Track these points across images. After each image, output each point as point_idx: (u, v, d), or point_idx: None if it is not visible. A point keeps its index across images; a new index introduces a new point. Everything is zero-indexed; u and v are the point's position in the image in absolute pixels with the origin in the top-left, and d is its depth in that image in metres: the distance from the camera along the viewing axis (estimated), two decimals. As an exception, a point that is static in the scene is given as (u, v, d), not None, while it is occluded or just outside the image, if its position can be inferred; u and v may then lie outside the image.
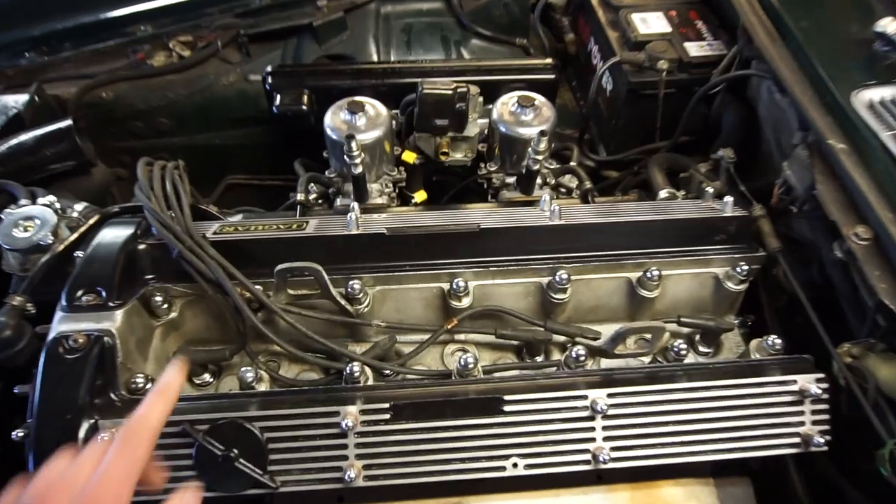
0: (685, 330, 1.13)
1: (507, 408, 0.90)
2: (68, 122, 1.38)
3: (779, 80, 1.20)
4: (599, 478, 1.02)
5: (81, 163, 1.40)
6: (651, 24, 1.53)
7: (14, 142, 1.36)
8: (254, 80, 1.67)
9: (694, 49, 1.46)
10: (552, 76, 1.48)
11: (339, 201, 1.33)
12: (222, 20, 1.67)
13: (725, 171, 1.27)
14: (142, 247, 1.04)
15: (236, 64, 1.68)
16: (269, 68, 1.47)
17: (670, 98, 1.48)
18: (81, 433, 0.86)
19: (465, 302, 1.08)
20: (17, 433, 0.89)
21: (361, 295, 1.05)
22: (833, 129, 1.05)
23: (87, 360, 0.89)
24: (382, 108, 1.34)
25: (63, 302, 0.96)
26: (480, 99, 1.39)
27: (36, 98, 1.52)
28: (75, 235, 1.07)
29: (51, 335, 0.93)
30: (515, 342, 1.12)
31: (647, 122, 1.54)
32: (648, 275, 1.08)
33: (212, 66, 1.68)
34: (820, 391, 0.92)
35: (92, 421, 0.87)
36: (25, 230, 1.12)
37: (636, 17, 1.54)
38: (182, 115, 1.69)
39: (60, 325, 0.93)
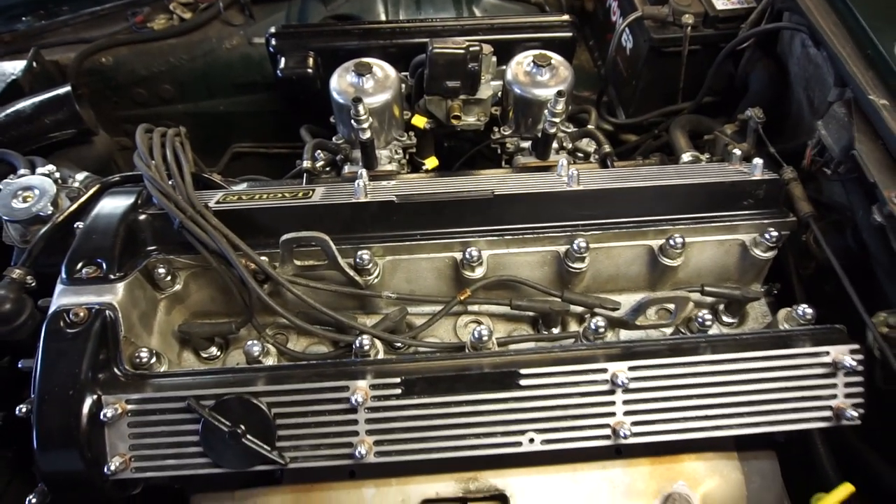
0: (708, 300, 1.08)
1: (522, 382, 0.86)
2: (67, 88, 1.33)
3: (814, 33, 1.12)
4: (618, 452, 0.99)
5: (82, 131, 1.36)
6: (675, -24, 1.44)
7: (12, 110, 1.32)
8: (258, 43, 1.61)
9: (721, 2, 1.38)
10: (569, 34, 1.41)
11: (346, 168, 1.28)
12: (223, -20, 1.60)
13: (754, 131, 1.20)
14: (143, 217, 1.00)
15: (239, 26, 1.62)
16: (272, 30, 1.41)
17: (695, 56, 1.41)
18: (85, 409, 0.84)
19: (479, 272, 1.03)
20: (21, 408, 0.87)
21: (371, 265, 1.01)
22: (875, 83, 0.98)
23: (89, 335, 0.87)
24: (391, 70, 1.28)
25: (63, 275, 0.92)
26: (494, 59, 1.32)
27: (34, 64, 1.48)
28: (75, 206, 1.04)
29: (51, 309, 0.90)
30: (531, 313, 1.08)
31: (670, 83, 1.47)
32: (671, 242, 1.02)
33: (214, 30, 1.62)
34: (854, 363, 0.87)
35: (95, 397, 0.84)
36: (25, 200, 1.09)
37: (659, -30, 1.45)
38: (185, 81, 1.64)
39: (61, 298, 0.90)
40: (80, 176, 1.19)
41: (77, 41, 1.57)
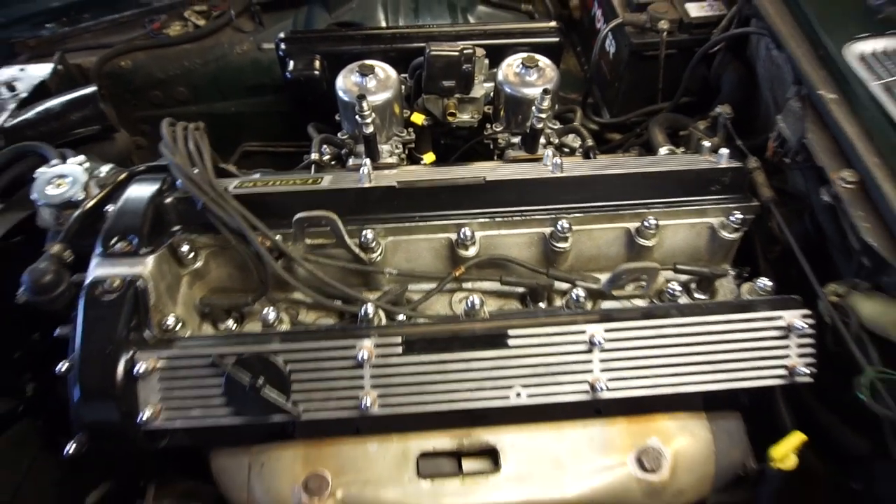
0: (682, 277, 1.19)
1: (510, 342, 0.97)
2: (93, 88, 1.44)
3: (775, 36, 1.24)
4: (598, 411, 1.09)
5: (105, 127, 1.46)
6: (653, -14, 1.56)
7: (42, 108, 1.43)
8: (267, 48, 1.73)
9: (694, 9, 1.50)
10: (556, 39, 1.53)
11: (351, 161, 1.39)
12: (235, -11, 1.72)
13: (723, 126, 1.31)
14: (168, 200, 1.11)
15: (249, 33, 1.74)
16: (281, 35, 1.53)
17: (672, 59, 1.52)
18: (120, 366, 0.94)
19: (472, 251, 1.14)
20: (61, 367, 0.97)
21: (374, 244, 1.11)
22: (825, 80, 1.10)
23: (123, 301, 0.97)
24: (392, 72, 1.39)
25: (98, 249, 1.03)
26: (486, 62, 1.44)
27: (59, 67, 1.59)
28: (107, 190, 1.14)
29: (88, 279, 1.00)
30: (520, 290, 1.18)
31: (650, 84, 1.58)
32: (646, 224, 1.13)
33: (226, 36, 1.74)
34: (805, 326, 0.98)
35: (129, 355, 0.94)
36: (58, 187, 1.19)
37: (638, -20, 1.57)
38: (198, 84, 1.75)
39: (96, 269, 1.01)
40: (106, 167, 1.29)
41: (98, 46, 1.69)
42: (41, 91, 1.53)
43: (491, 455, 1.05)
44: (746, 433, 1.12)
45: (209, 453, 1.09)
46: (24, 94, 1.51)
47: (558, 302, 1.19)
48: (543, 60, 1.39)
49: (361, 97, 1.25)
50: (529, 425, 1.07)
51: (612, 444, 1.06)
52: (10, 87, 1.55)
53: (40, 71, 1.58)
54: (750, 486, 1.13)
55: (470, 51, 1.34)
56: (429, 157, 1.45)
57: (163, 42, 1.70)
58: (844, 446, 1.13)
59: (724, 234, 1.16)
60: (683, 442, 1.07)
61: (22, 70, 1.60)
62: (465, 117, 1.44)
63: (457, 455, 1.05)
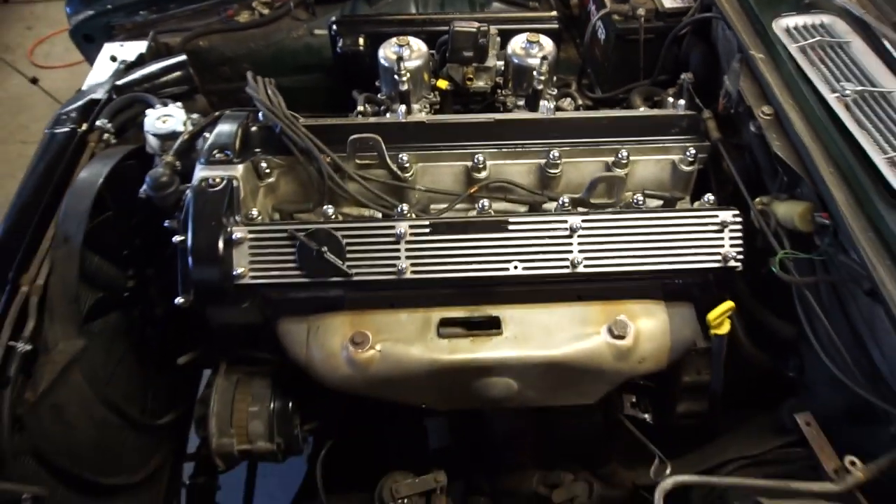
0: (651, 202, 1.51)
1: (510, 227, 1.29)
2: (183, 56, 1.81)
3: (726, 19, 1.57)
4: (580, 297, 1.40)
5: (192, 88, 1.83)
6: (636, -16, 1.91)
7: (144, 71, 1.80)
8: (318, 34, 2.09)
9: (668, 2, 1.84)
10: (556, 25, 1.87)
11: (388, 116, 1.73)
12: (295, -14, 2.10)
13: (686, 89, 1.64)
14: (253, 129, 1.45)
15: (304, 21, 2.11)
16: (333, 18, 1.89)
17: (650, 43, 1.86)
18: (222, 237, 1.27)
19: (483, 175, 1.47)
20: (176, 238, 1.30)
21: (409, 164, 1.45)
22: (757, 45, 1.43)
23: (224, 191, 1.31)
24: (423, 45, 1.74)
25: (202, 158, 1.37)
26: (498, 40, 1.79)
27: (152, 44, 1.97)
28: (207, 121, 1.49)
29: (195, 179, 1.34)
30: (521, 208, 1.50)
31: (633, 65, 1.92)
32: (619, 156, 1.46)
33: (285, 23, 2.11)
34: (735, 222, 1.29)
35: (228, 229, 1.28)
36: (164, 122, 1.54)
37: (624, -20, 1.92)
38: (260, 62, 2.12)
39: (202, 171, 1.35)
40: (194, 115, 1.65)
41: (181, 29, 2.06)
42: (140, 61, 1.90)
43: (495, 322, 1.36)
44: (697, 319, 1.42)
45: (276, 323, 1.41)
46: (125, 63, 1.89)
47: (551, 219, 1.50)
48: (543, 38, 1.74)
49: (400, 59, 1.60)
50: (525, 304, 1.38)
51: (589, 319, 1.37)
52: (113, 59, 1.93)
53: (137, 47, 1.96)
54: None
55: (485, 28, 1.69)
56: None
57: (233, 27, 2.07)
58: (773, 331, 1.43)
59: (683, 167, 1.48)
60: (645, 319, 1.37)
61: (121, 46, 1.98)
62: (480, 83, 1.78)
63: (468, 322, 1.36)
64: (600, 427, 1.80)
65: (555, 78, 1.82)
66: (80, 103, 1.68)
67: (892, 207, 1.11)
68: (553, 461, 1.77)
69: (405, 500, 1.52)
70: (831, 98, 1.27)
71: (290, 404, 1.53)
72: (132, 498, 1.58)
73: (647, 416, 1.82)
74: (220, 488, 1.94)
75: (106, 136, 1.61)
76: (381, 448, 1.84)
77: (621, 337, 1.33)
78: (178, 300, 1.30)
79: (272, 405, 1.51)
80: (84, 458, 1.40)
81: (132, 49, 1.95)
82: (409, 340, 1.34)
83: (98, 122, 1.61)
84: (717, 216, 1.31)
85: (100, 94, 1.70)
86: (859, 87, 1.28)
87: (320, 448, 1.66)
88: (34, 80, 3.52)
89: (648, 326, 1.37)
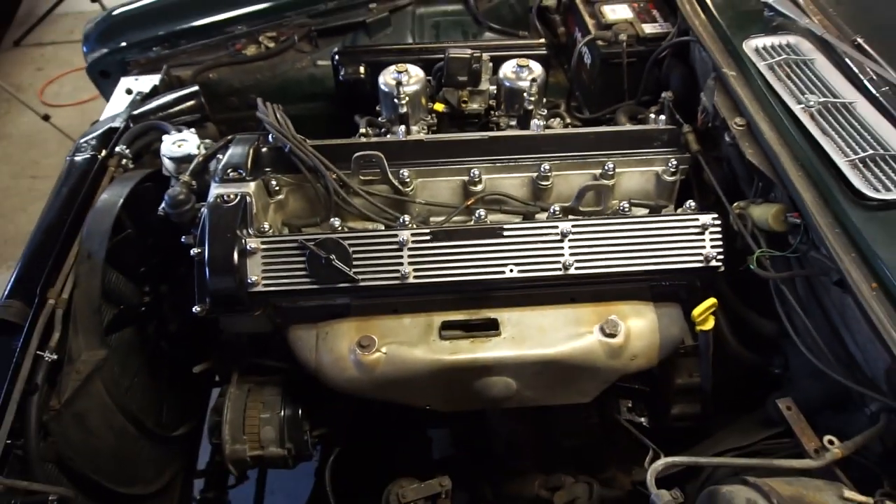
0: (637, 211, 1.61)
1: (505, 234, 1.39)
2: (196, 87, 1.93)
3: (701, 42, 1.70)
4: (572, 300, 1.48)
5: (204, 116, 1.94)
6: (618, 12, 2.05)
7: (158, 101, 1.92)
8: (321, 65, 2.22)
9: (649, 28, 1.97)
10: (544, 51, 2.00)
11: (389, 137, 1.84)
12: (298, 20, 2.24)
13: (667, 107, 1.75)
14: (263, 150, 1.56)
15: (307, 53, 2.25)
16: (335, 49, 2.02)
17: (633, 66, 1.99)
18: (237, 248, 1.36)
19: (479, 188, 1.57)
20: (193, 251, 1.39)
21: (409, 179, 1.55)
22: (729, 63, 1.55)
23: (238, 206, 1.40)
24: (420, 72, 1.86)
25: (217, 177, 1.47)
26: (490, 65, 1.91)
27: (165, 77, 2.10)
28: (220, 144, 1.59)
29: (211, 196, 1.44)
30: (515, 217, 1.60)
31: (618, 87, 2.04)
32: (606, 168, 1.56)
33: (289, 55, 2.25)
34: (715, 224, 1.39)
35: (242, 241, 1.37)
36: (179, 146, 1.64)
37: (607, 8, 2.06)
38: (267, 93, 2.22)
39: (217, 189, 1.45)
40: (207, 140, 1.76)
41: (192, 63, 2.19)
42: (154, 92, 2.03)
43: (493, 324, 1.44)
44: (684, 318, 1.50)
45: (287, 330, 1.50)
46: (140, 95, 2.01)
47: (544, 229, 1.60)
48: (533, 63, 1.86)
49: (399, 83, 1.71)
50: (522, 307, 1.47)
51: (582, 319, 1.45)
52: (128, 91, 2.06)
53: (151, 80, 2.09)
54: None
55: (478, 54, 1.81)
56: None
57: (241, 59, 2.20)
58: (757, 329, 1.51)
59: (666, 177, 1.58)
60: (635, 318, 1.46)
61: (136, 80, 2.11)
62: (474, 106, 1.90)
63: (468, 324, 1.45)
64: (598, 432, 1.87)
65: (544, 100, 1.94)
66: (99, 132, 1.79)
67: (855, 205, 1.21)
68: (554, 466, 1.83)
69: (411, 505, 1.57)
70: (797, 109, 1.38)
71: (300, 411, 1.60)
72: (146, 508, 1.63)
73: (643, 419, 1.89)
74: (229, 503, 1.99)
75: (124, 161, 1.71)
76: (387, 458, 1.90)
77: (613, 335, 1.41)
78: (195, 309, 1.39)
79: (282, 412, 1.58)
80: (103, 466, 1.47)
81: (146, 82, 2.08)
82: (413, 343, 1.42)
83: (117, 149, 1.72)
84: (697, 219, 1.40)
85: (117, 123, 1.81)
86: (822, 99, 1.39)
87: (328, 460, 1.72)
88: (46, 118, 3.66)
89: (638, 325, 1.46)
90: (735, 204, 1.44)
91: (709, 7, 1.73)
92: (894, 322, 1.08)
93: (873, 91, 1.40)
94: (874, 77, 1.42)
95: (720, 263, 1.40)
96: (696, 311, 1.36)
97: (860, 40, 1.48)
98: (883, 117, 1.35)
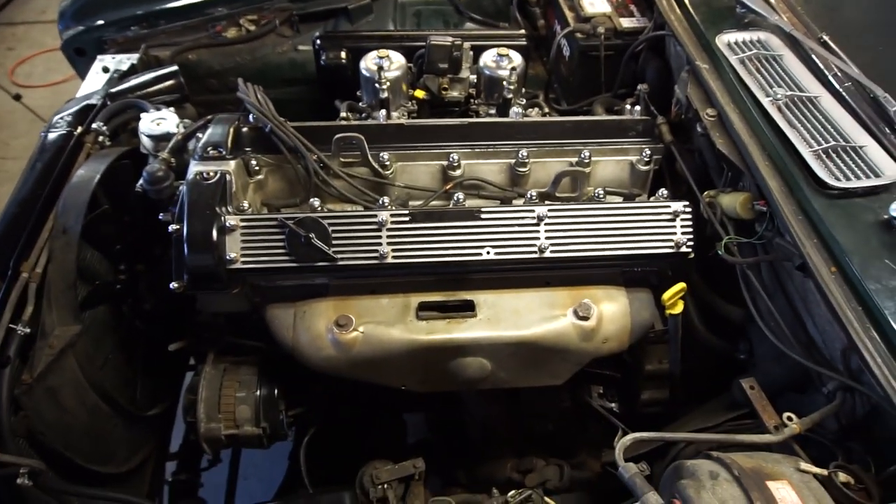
0: (613, 199, 1.65)
1: (483, 216, 1.41)
2: (175, 67, 1.92)
3: (676, 36, 1.74)
4: (547, 283, 1.52)
5: (183, 96, 1.93)
6: (597, 6, 2.09)
7: (137, 79, 1.90)
8: (302, 49, 2.22)
9: (626, 22, 2.02)
10: (524, 42, 2.03)
11: (370, 120, 1.85)
12: (280, 4, 2.23)
13: (643, 99, 1.79)
14: (244, 129, 1.56)
15: (289, 37, 2.24)
16: (317, 34, 2.02)
17: (610, 59, 2.03)
18: (215, 225, 1.36)
19: (458, 172, 1.59)
20: (172, 228, 1.39)
21: (389, 163, 1.56)
22: (703, 57, 1.59)
23: (217, 183, 1.41)
24: (401, 58, 1.88)
25: (196, 155, 1.47)
26: (471, 53, 1.93)
27: (143, 57, 2.07)
28: (200, 123, 1.59)
29: (190, 173, 1.44)
30: (493, 202, 1.62)
31: (595, 79, 2.08)
32: (582, 156, 1.59)
33: (270, 39, 2.24)
34: (686, 211, 1.43)
35: (221, 218, 1.37)
36: (158, 124, 1.63)
37: (586, 2, 2.10)
38: (246, 76, 2.17)
39: (196, 166, 1.45)
40: (186, 120, 1.75)
41: (171, 44, 2.17)
42: (131, 71, 2.00)
43: (469, 306, 1.47)
44: (654, 304, 1.55)
45: (264, 309, 1.50)
46: (118, 73, 1.99)
47: (521, 215, 1.63)
48: (513, 52, 1.89)
49: (380, 68, 1.73)
50: (498, 290, 1.50)
51: (556, 302, 1.48)
52: (105, 70, 2.03)
53: (128, 59, 2.06)
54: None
55: (459, 42, 1.83)
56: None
57: (221, 42, 2.19)
58: (724, 315, 1.57)
59: (640, 166, 1.63)
60: (608, 303, 1.49)
61: (114, 58, 2.08)
62: (454, 93, 1.92)
63: (445, 306, 1.47)
64: (570, 416, 1.91)
65: (524, 90, 1.97)
66: (75, 108, 1.77)
67: (818, 193, 1.26)
68: (526, 450, 1.86)
69: (385, 486, 1.59)
70: (766, 101, 1.43)
71: (276, 391, 1.61)
72: (118, 488, 1.62)
73: (613, 405, 1.94)
74: (202, 485, 1.98)
75: (101, 138, 1.70)
76: (362, 440, 1.91)
77: (585, 318, 1.45)
78: (173, 285, 1.38)
79: (258, 391, 1.59)
80: (75, 443, 1.46)
81: (124, 61, 2.06)
82: (390, 322, 1.44)
83: (94, 126, 1.70)
84: (669, 207, 1.44)
85: (94, 100, 1.79)
86: (789, 92, 1.44)
87: (302, 441, 1.73)
88: (17, 97, 3.58)
89: (610, 309, 1.49)
90: (705, 193, 1.49)
91: (684, 3, 1.78)
92: (851, 304, 1.13)
93: (837, 86, 1.46)
94: (838, 73, 1.48)
95: (690, 250, 1.44)
96: (666, 296, 1.41)
97: (826, 38, 1.54)
98: (845, 111, 1.40)
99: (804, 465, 1.06)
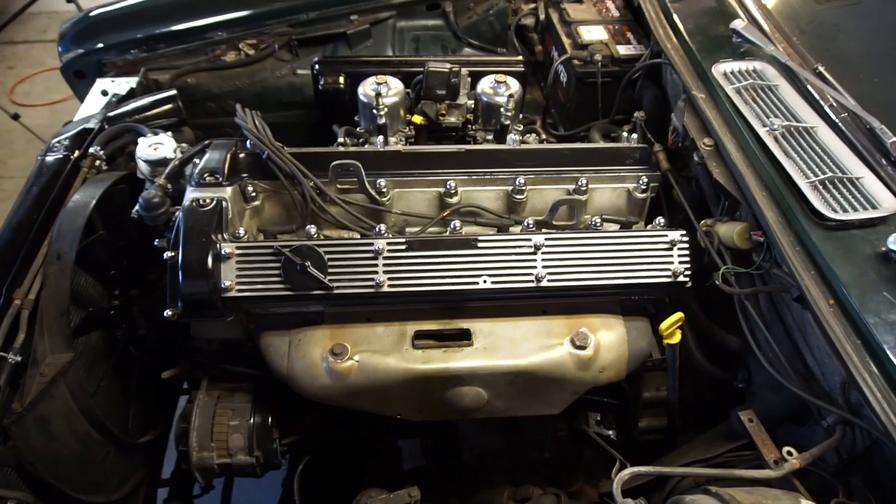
0: (609, 226, 1.64)
1: (479, 245, 1.41)
2: (173, 91, 1.92)
3: (673, 65, 1.76)
4: (544, 312, 1.51)
5: (181, 120, 1.93)
6: (594, 33, 2.11)
7: (135, 103, 1.90)
8: (301, 73, 2.23)
9: (623, 49, 2.03)
10: (521, 68, 2.04)
11: (367, 147, 1.86)
12: (279, 29, 2.24)
13: (640, 126, 1.80)
14: (241, 155, 1.56)
15: (287, 61, 2.25)
16: (316, 58, 2.03)
17: (607, 86, 2.04)
18: (211, 253, 1.35)
19: (455, 199, 1.59)
20: (167, 255, 1.38)
21: (386, 189, 1.56)
22: (699, 86, 1.60)
23: (213, 210, 1.40)
24: (399, 84, 1.89)
25: (193, 181, 1.47)
26: (469, 79, 1.94)
27: (143, 80, 2.08)
28: (196, 148, 1.58)
29: (186, 199, 1.43)
30: (490, 230, 1.62)
31: (592, 105, 2.09)
32: (579, 183, 1.59)
33: (269, 63, 2.25)
34: (683, 241, 1.43)
35: (216, 246, 1.36)
36: (155, 149, 1.63)
37: (583, 29, 2.12)
38: (245, 99, 2.23)
39: (192, 193, 1.44)
40: (183, 144, 1.75)
41: (171, 67, 2.18)
42: (130, 94, 2.01)
43: (466, 335, 1.46)
44: (652, 332, 1.54)
45: (259, 337, 1.49)
46: (117, 97, 1.99)
47: (518, 242, 1.62)
48: (510, 79, 1.90)
49: (378, 94, 1.73)
50: (493, 318, 1.49)
51: (553, 331, 1.47)
52: (104, 93, 2.04)
53: (127, 82, 2.07)
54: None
55: (457, 69, 1.84)
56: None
57: (220, 65, 2.20)
58: (722, 344, 1.56)
59: (637, 194, 1.63)
60: (605, 331, 1.49)
61: (113, 81, 2.09)
62: (452, 119, 1.92)
63: (441, 334, 1.46)
64: (567, 444, 1.89)
65: (521, 116, 1.98)
66: (72, 132, 1.77)
67: (814, 224, 1.26)
68: (522, 478, 1.84)
69: (380, 515, 1.57)
70: (762, 131, 1.44)
71: (270, 419, 1.59)
72: (108, 517, 1.59)
73: (611, 432, 1.92)
74: (193, 513, 1.95)
75: (98, 162, 1.69)
76: (356, 468, 1.89)
77: (583, 347, 1.44)
78: (167, 313, 1.37)
79: (252, 419, 1.57)
80: (65, 472, 1.43)
81: (123, 84, 2.06)
82: (386, 351, 1.43)
83: (90, 150, 1.70)
84: (666, 236, 1.44)
85: (92, 124, 1.79)
86: (786, 123, 1.45)
87: (296, 470, 1.70)
88: (16, 117, 3.58)
89: (608, 338, 1.49)
90: (702, 221, 1.49)
91: (680, 32, 1.79)
92: (850, 338, 1.12)
93: (833, 117, 1.46)
94: (834, 104, 1.49)
95: (688, 279, 1.44)
96: (664, 325, 1.40)
97: (821, 68, 1.55)
98: (842, 142, 1.41)
99: (804, 502, 1.04)
